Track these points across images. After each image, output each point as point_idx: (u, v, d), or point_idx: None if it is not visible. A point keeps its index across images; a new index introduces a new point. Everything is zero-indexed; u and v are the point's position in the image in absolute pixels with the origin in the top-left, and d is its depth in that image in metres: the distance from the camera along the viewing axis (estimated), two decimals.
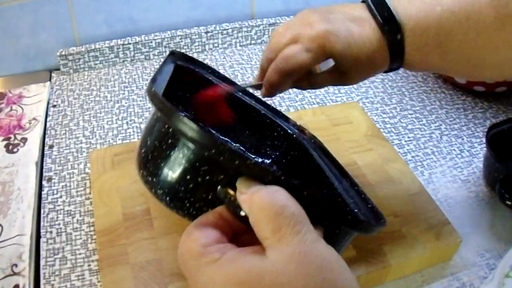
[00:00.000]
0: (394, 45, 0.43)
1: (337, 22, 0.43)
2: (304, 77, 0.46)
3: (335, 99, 0.78)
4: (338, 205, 0.43)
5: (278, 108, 0.57)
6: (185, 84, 0.50)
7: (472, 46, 0.41)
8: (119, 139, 0.70)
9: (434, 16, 0.41)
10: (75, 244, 0.55)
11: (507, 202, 0.59)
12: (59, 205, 0.59)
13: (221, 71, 0.85)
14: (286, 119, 0.55)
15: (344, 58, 0.43)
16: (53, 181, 0.63)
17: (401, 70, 0.87)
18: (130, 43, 0.84)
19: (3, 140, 0.68)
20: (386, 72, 0.47)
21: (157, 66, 0.85)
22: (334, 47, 0.42)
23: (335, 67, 0.46)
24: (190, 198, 0.37)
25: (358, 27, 0.43)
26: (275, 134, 0.53)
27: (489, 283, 0.43)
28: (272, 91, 0.46)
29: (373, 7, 0.43)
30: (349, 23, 0.43)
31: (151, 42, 0.86)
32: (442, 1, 0.41)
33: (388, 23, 0.42)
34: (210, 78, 0.52)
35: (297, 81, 0.47)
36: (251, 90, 0.55)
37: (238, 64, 0.87)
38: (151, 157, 0.39)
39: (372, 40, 0.43)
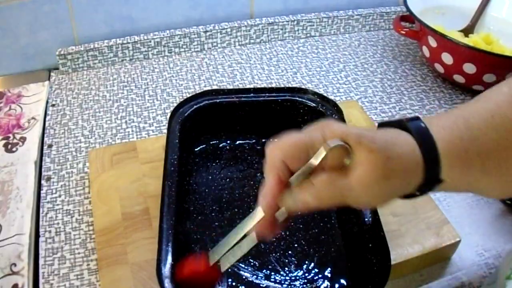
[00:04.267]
0: (421, 136, 0.36)
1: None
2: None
3: (334, 98, 0.78)
4: None
5: None
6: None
7: (509, 146, 0.36)
8: (118, 139, 0.70)
9: (461, 120, 0.37)
10: (74, 243, 0.55)
11: (506, 201, 0.59)
12: (58, 205, 0.59)
13: (220, 71, 0.85)
14: None
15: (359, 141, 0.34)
16: (52, 180, 0.63)
17: (400, 69, 0.87)
18: (129, 43, 0.84)
19: (2, 139, 0.68)
20: (418, 192, 0.37)
21: (156, 66, 0.85)
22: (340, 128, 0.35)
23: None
24: None
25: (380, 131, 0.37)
26: None
27: (491, 285, 0.43)
28: (268, 201, 0.36)
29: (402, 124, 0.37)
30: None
31: (150, 41, 0.85)
32: (464, 108, 0.38)
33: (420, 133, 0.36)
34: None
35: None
36: None
37: (237, 64, 0.87)
38: None
39: (396, 134, 0.36)
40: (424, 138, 0.35)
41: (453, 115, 0.37)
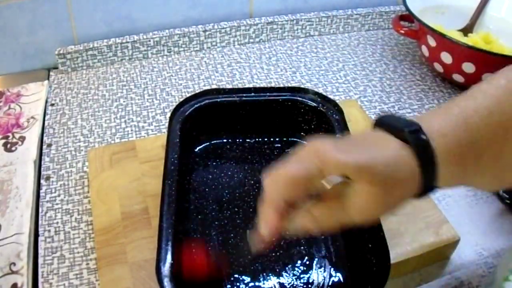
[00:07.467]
0: (422, 149, 0.34)
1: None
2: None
3: (333, 98, 0.78)
4: None
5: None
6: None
7: (504, 143, 0.36)
8: (117, 138, 0.70)
9: (461, 122, 0.36)
10: (73, 242, 0.55)
11: (506, 201, 0.59)
12: (57, 204, 0.59)
13: (219, 70, 0.85)
14: None
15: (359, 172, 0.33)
16: (51, 179, 0.63)
17: (399, 68, 0.87)
18: (128, 42, 0.84)
19: (1, 138, 0.68)
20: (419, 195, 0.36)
21: (155, 65, 0.85)
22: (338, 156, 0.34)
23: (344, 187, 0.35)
24: None
25: (377, 146, 0.35)
26: None
27: (489, 286, 0.43)
28: (267, 228, 0.37)
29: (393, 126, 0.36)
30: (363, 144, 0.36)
31: (149, 40, 0.85)
32: (464, 105, 0.37)
33: (413, 130, 0.35)
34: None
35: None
36: None
37: (236, 63, 0.87)
38: None
39: (396, 150, 0.34)
40: (425, 157, 0.34)
41: (454, 117, 0.36)
